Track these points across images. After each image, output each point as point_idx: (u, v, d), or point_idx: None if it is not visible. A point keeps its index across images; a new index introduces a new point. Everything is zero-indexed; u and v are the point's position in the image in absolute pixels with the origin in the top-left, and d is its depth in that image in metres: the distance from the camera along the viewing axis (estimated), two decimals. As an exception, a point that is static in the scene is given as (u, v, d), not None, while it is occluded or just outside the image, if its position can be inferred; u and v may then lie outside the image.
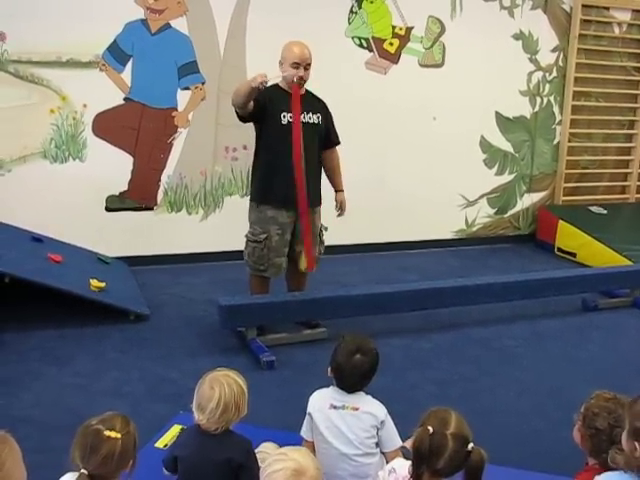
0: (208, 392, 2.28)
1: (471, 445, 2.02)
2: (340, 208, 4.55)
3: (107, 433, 1.96)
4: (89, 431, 1.98)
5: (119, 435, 1.97)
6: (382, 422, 2.58)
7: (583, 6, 6.82)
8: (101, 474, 1.97)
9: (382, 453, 2.61)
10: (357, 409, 2.58)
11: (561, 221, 6.77)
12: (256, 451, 2.44)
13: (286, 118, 4.16)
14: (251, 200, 4.37)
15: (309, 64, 4.17)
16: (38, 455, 2.86)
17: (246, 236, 4.36)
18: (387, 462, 2.51)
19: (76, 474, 1.95)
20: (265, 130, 4.22)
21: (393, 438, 2.60)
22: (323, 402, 2.63)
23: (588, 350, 4.47)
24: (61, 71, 5.33)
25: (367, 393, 2.65)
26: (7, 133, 5.25)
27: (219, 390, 2.26)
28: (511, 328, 4.77)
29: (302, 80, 4.18)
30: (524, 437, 3.31)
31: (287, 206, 4.23)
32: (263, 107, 4.13)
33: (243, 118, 4.23)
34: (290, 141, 4.13)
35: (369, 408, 2.60)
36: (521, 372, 4.09)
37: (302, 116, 4.19)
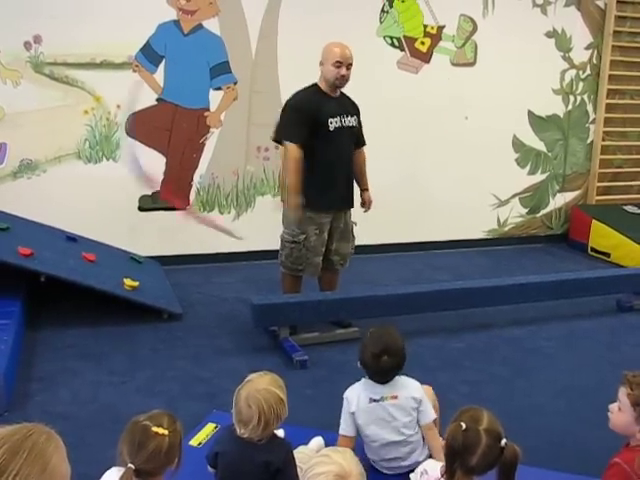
0: (247, 411, 2.24)
1: (504, 441, 2.01)
2: (368, 206, 4.57)
3: (155, 429, 1.99)
4: (137, 427, 2.01)
5: (167, 432, 2.00)
6: (420, 401, 2.64)
7: (618, 2, 6.73)
8: (147, 470, 1.99)
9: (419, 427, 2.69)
10: (396, 397, 2.65)
11: (595, 221, 6.70)
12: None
13: (332, 125, 4.20)
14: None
15: (350, 64, 4.20)
16: (75, 451, 2.85)
17: (282, 237, 4.37)
18: (422, 437, 2.66)
19: (121, 469, 1.98)
20: (311, 135, 4.17)
21: (428, 412, 2.70)
22: (361, 398, 2.67)
23: (622, 351, 4.42)
24: (95, 72, 5.39)
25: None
26: (42, 134, 5.32)
27: (257, 408, 2.23)
28: (545, 329, 4.73)
29: (344, 79, 4.21)
30: (558, 438, 3.28)
31: (325, 208, 4.28)
32: (314, 121, 4.14)
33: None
34: (334, 146, 4.19)
35: (407, 392, 2.67)
36: (555, 373, 4.05)
37: (343, 120, 4.24)
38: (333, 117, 4.20)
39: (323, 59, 4.22)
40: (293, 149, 4.14)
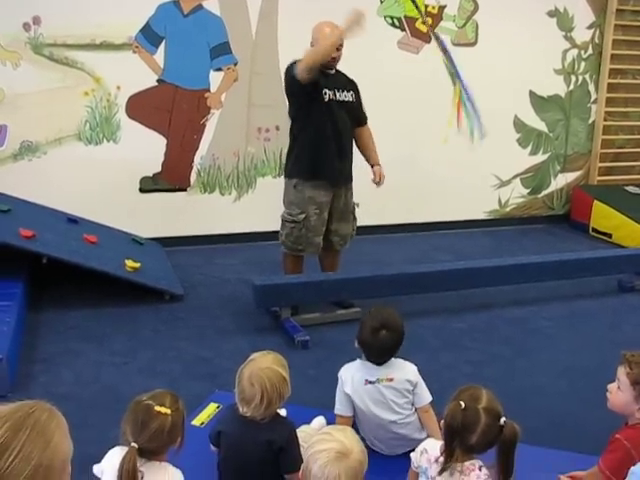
0: (249, 389, 2.25)
1: (503, 419, 2.03)
2: (379, 180, 4.51)
3: (157, 409, 2.00)
4: (140, 407, 2.02)
5: (169, 411, 2.02)
6: (416, 383, 2.66)
7: (621, -20, 6.69)
8: (150, 449, 2.01)
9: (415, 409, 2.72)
10: (391, 379, 2.67)
11: (596, 201, 6.69)
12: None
13: (327, 95, 4.17)
14: (288, 179, 4.36)
15: (341, 45, 4.16)
16: (78, 431, 2.87)
17: (283, 217, 4.36)
18: (419, 418, 2.70)
19: (125, 448, 1.99)
20: (307, 108, 4.17)
21: (424, 394, 2.73)
22: (357, 379, 2.69)
23: (624, 331, 4.43)
24: (95, 54, 5.37)
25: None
26: (43, 116, 5.30)
27: (260, 387, 2.23)
28: (546, 309, 4.74)
29: (335, 61, 4.19)
30: (559, 418, 3.29)
31: (326, 185, 4.26)
32: (310, 89, 4.11)
33: (301, 88, 4.12)
34: (331, 119, 4.17)
35: (402, 375, 2.69)
36: (556, 353, 4.07)
37: (337, 94, 4.21)
38: (328, 89, 4.18)
39: (313, 39, 4.19)
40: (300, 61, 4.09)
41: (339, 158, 4.30)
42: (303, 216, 4.26)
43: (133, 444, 1.97)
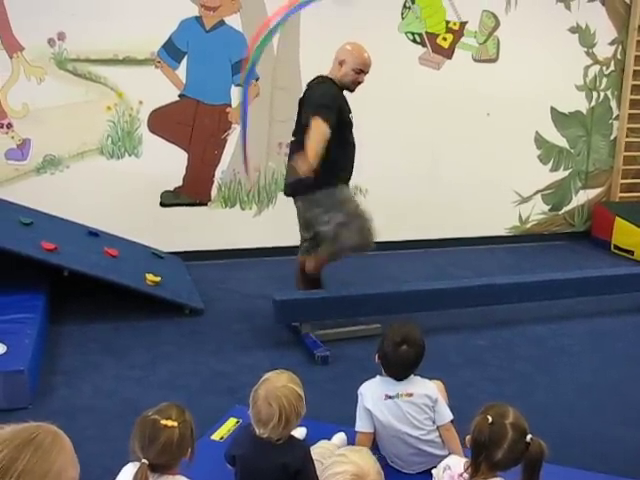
0: (267, 409, 2.21)
1: (530, 436, 2.01)
2: None
3: (164, 422, 1.99)
4: (146, 422, 2.02)
5: (176, 424, 2.00)
6: (436, 400, 2.65)
7: (643, -3, 6.67)
8: (161, 463, 2.00)
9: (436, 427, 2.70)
10: (411, 395, 2.67)
11: (618, 218, 6.63)
12: (312, 448, 2.45)
13: (350, 116, 4.22)
14: (327, 187, 4.17)
15: (368, 72, 4.23)
16: (97, 444, 2.93)
17: (338, 224, 4.17)
18: (440, 435, 2.67)
19: (137, 464, 1.98)
20: (339, 128, 4.10)
21: (444, 412, 2.70)
22: (377, 395, 2.68)
23: (647, 349, 4.38)
24: (118, 69, 5.41)
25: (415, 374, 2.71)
26: (66, 130, 5.36)
27: (278, 406, 2.20)
28: (568, 326, 4.70)
29: (359, 85, 4.23)
30: (582, 437, 3.25)
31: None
32: (341, 113, 4.12)
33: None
34: (352, 134, 4.25)
35: (422, 390, 2.68)
36: (578, 371, 4.02)
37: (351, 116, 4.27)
38: (350, 112, 4.22)
39: (345, 59, 4.16)
40: (324, 126, 4.02)
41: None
42: (360, 206, 4.27)
43: (144, 460, 1.96)
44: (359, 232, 4.20)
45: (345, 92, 4.25)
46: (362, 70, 4.16)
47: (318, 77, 4.26)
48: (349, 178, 4.36)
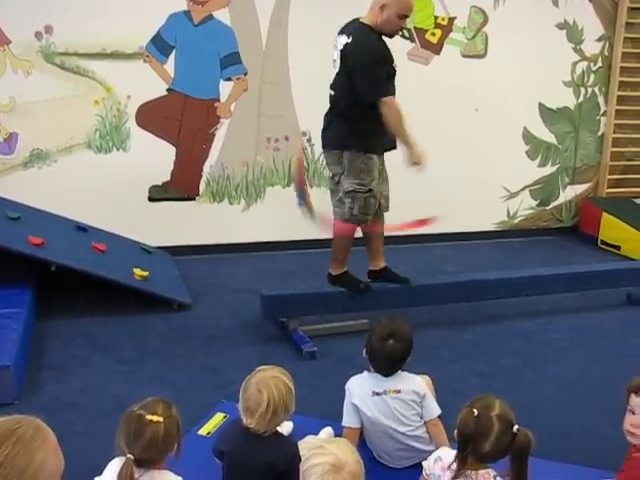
0: (256, 395, 2.22)
1: (516, 427, 2.02)
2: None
3: (149, 417, 1.99)
4: (132, 417, 2.02)
5: (161, 419, 2.00)
6: (423, 395, 2.65)
7: (630, -6, 6.69)
8: (147, 458, 2.00)
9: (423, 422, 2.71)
10: (399, 391, 2.67)
11: (605, 213, 6.67)
12: (300, 442, 2.45)
13: (394, 65, 4.07)
14: (356, 151, 4.03)
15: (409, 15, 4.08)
16: (85, 439, 2.93)
17: (353, 189, 4.06)
18: (427, 431, 2.68)
19: (123, 459, 1.98)
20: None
21: (432, 407, 2.71)
22: (364, 391, 2.69)
23: (633, 345, 4.40)
24: (106, 63, 5.39)
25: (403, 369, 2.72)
26: (53, 124, 5.33)
27: (267, 393, 2.21)
28: (554, 321, 4.73)
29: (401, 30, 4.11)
30: (567, 431, 3.28)
31: (387, 148, 4.20)
32: (389, 71, 4.02)
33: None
34: (394, 89, 4.07)
35: (410, 387, 2.69)
36: (565, 366, 4.05)
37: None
38: (393, 60, 4.07)
39: (388, 2, 3.88)
40: (394, 102, 3.99)
41: None
42: (375, 182, 4.10)
43: (129, 455, 1.96)
44: (361, 207, 4.09)
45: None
46: (407, 15, 3.99)
47: (355, 22, 4.05)
48: (387, 146, 4.17)
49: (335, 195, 4.21)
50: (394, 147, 4.23)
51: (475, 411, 2.01)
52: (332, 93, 4.10)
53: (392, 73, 4.06)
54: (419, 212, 6.28)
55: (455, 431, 2.09)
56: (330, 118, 4.14)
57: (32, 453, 1.35)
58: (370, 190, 4.08)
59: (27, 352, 3.76)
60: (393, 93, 4.04)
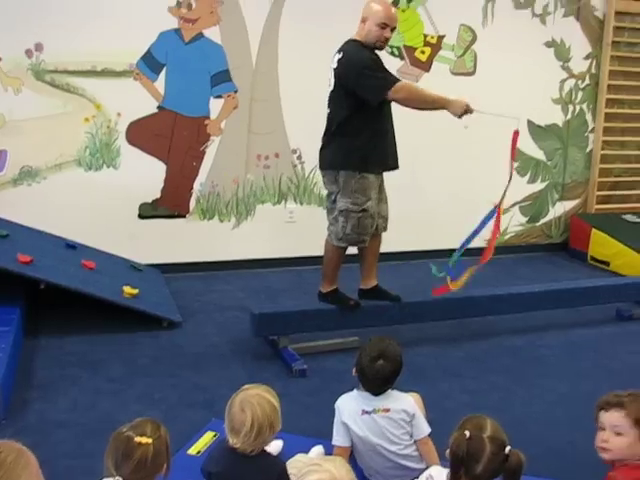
0: (239, 415, 2.22)
1: (508, 448, 2.02)
2: None
3: (138, 439, 1.97)
4: (120, 439, 2.00)
5: (150, 440, 1.99)
6: (413, 415, 2.65)
7: (616, 13, 6.75)
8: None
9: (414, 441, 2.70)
10: (388, 410, 2.67)
11: (594, 229, 6.70)
12: (289, 462, 2.44)
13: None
14: (349, 170, 4.04)
15: (395, 27, 4.10)
16: (73, 460, 2.90)
17: (346, 208, 4.06)
18: (417, 450, 2.67)
19: None
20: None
21: (422, 426, 2.70)
22: (354, 409, 2.68)
23: (622, 360, 4.41)
24: (96, 80, 5.40)
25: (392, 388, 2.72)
26: (43, 141, 5.33)
27: (251, 413, 2.21)
28: (544, 337, 4.73)
29: (387, 42, 4.11)
30: (559, 448, 3.27)
31: (388, 168, 4.20)
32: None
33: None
34: (388, 105, 4.08)
35: (399, 406, 2.68)
36: (555, 382, 4.05)
37: None
38: None
39: (367, 15, 3.99)
40: (404, 84, 4.00)
41: (394, 143, 4.23)
42: (370, 203, 4.08)
43: (117, 477, 1.95)
44: (354, 227, 4.09)
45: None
46: (386, 24, 3.98)
47: (347, 41, 4.11)
48: (387, 165, 4.18)
49: (331, 214, 4.23)
50: (396, 167, 4.26)
51: (467, 433, 2.01)
52: (328, 111, 4.13)
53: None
54: (408, 228, 6.34)
55: (447, 451, 2.08)
56: (327, 137, 4.16)
57: (15, 477, 1.34)
58: (364, 210, 4.07)
59: (15, 371, 3.73)
60: (398, 79, 4.03)
